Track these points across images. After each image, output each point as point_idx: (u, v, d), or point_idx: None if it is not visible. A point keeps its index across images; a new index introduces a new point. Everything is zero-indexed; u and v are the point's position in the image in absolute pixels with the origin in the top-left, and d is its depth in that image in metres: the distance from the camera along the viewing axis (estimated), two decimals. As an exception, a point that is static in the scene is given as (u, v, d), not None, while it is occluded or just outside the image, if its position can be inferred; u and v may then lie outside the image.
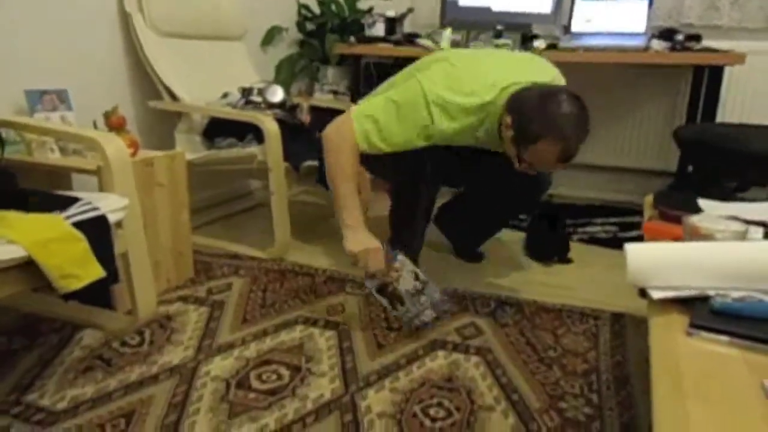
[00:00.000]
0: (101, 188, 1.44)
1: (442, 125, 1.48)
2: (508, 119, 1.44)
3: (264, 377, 1.32)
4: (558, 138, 1.37)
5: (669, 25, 2.46)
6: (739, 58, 2.10)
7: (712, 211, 1.20)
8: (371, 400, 1.24)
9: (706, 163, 2.09)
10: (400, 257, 1.49)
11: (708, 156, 2.00)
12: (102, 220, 1.28)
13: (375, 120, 1.51)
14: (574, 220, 2.51)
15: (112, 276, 1.29)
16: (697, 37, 2.28)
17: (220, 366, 1.36)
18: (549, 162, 1.42)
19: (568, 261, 2.06)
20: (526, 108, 1.41)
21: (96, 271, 1.23)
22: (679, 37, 2.28)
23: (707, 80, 2.24)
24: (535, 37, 2.45)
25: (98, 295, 1.53)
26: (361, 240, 1.49)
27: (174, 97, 2.10)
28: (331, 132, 1.55)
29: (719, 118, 2.33)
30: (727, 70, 2.23)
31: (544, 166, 1.47)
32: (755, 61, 2.23)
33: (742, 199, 1.43)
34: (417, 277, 1.49)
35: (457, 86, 1.49)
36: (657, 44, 2.26)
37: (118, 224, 1.37)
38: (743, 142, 1.84)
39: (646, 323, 1.59)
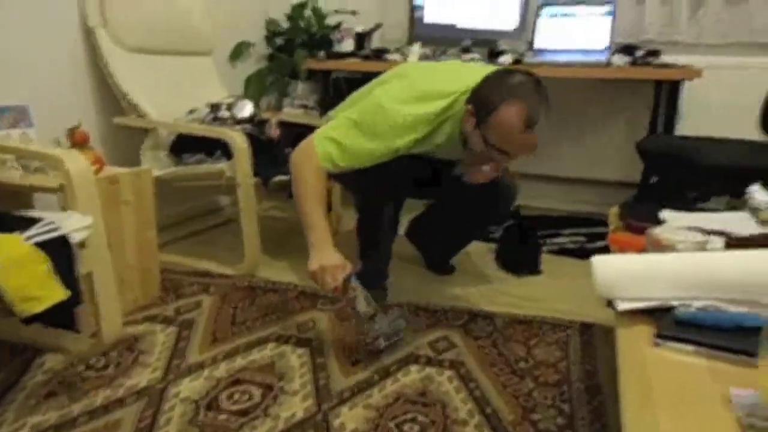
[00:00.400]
0: (64, 207, 1.40)
1: (404, 138, 1.50)
2: (469, 107, 1.47)
3: (235, 397, 1.29)
4: (518, 98, 1.38)
5: (629, 42, 2.54)
6: (696, 73, 2.18)
7: (675, 221, 1.24)
8: (345, 417, 1.23)
9: (667, 175, 2.15)
10: (353, 281, 1.47)
11: (669, 167, 2.06)
12: (64, 240, 1.24)
13: (337, 142, 1.51)
14: (543, 231, 2.55)
15: (75, 297, 1.26)
16: (656, 53, 2.36)
17: (190, 387, 1.33)
18: (514, 131, 1.39)
19: (538, 272, 2.09)
20: (484, 88, 1.45)
21: (58, 293, 1.19)
22: (639, 52, 2.36)
23: (666, 94, 2.31)
24: (501, 53, 2.50)
25: (61, 317, 1.47)
26: (322, 258, 1.46)
27: (140, 112, 2.07)
28: (296, 155, 1.55)
29: (680, 131, 2.40)
30: (686, 84, 2.30)
31: (510, 141, 1.43)
32: (712, 76, 2.31)
33: (703, 209, 1.48)
34: (369, 303, 1.48)
35: (415, 97, 1.51)
36: (618, 59, 2.32)
37: (82, 244, 1.33)
38: (702, 154, 1.90)
39: (614, 332, 1.62)
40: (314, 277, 1.45)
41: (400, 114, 1.49)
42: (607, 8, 2.50)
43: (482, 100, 1.44)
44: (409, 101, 1.51)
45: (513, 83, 1.42)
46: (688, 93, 2.36)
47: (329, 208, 2.55)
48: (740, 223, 1.25)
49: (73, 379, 1.34)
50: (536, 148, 1.47)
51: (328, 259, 1.45)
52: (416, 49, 2.55)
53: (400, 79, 1.60)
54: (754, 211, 1.33)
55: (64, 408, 1.24)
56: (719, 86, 2.53)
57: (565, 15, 2.56)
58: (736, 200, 1.53)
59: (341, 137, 1.51)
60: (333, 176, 1.68)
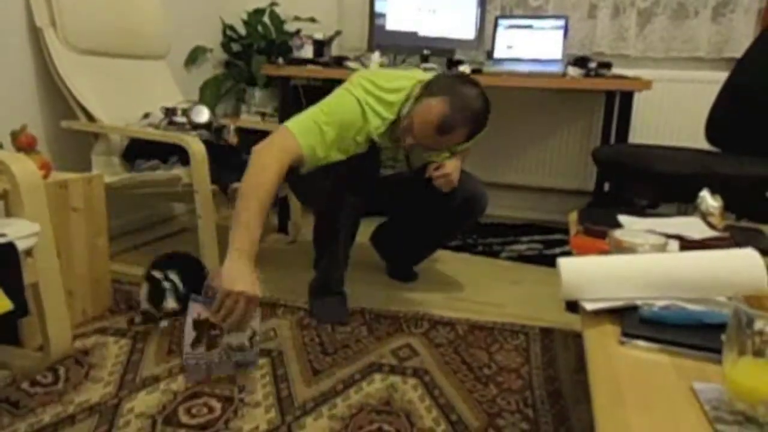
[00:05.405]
0: (8, 213, 1.32)
1: (373, 123, 1.59)
2: (416, 90, 1.59)
3: (193, 411, 1.24)
4: (449, 101, 1.49)
5: (582, 54, 2.62)
6: (646, 85, 2.26)
7: (631, 226, 1.27)
8: (309, 429, 1.20)
9: (620, 181, 2.21)
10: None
11: (621, 174, 2.12)
12: (9, 247, 1.17)
13: (320, 131, 1.53)
14: (502, 239, 2.59)
15: (21, 309, 1.18)
16: (608, 65, 2.43)
17: (145, 402, 1.27)
18: (427, 125, 1.50)
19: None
20: (435, 79, 1.58)
21: (2, 304, 1.12)
22: (592, 64, 2.43)
23: (619, 104, 2.39)
24: (460, 62, 2.53)
25: (4, 330, 1.40)
26: (237, 278, 1.28)
27: (90, 116, 1.99)
28: (263, 149, 1.50)
29: (631, 140, 2.48)
30: (636, 95, 2.39)
31: (418, 131, 1.52)
32: (658, 87, 2.41)
33: (656, 215, 1.52)
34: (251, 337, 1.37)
35: (380, 87, 1.61)
36: (572, 71, 2.39)
37: (28, 252, 1.26)
38: (652, 162, 1.97)
39: (573, 337, 1.65)
40: (222, 298, 1.28)
41: (370, 101, 1.58)
42: (560, 22, 2.58)
43: (426, 87, 1.55)
44: (375, 92, 1.60)
45: (459, 89, 1.52)
46: (637, 103, 2.44)
47: (288, 216, 2.52)
48: (692, 226, 1.30)
49: (17, 396, 1.26)
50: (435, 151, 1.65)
51: (244, 282, 1.28)
52: (376, 57, 2.55)
53: (364, 77, 1.65)
54: (705, 215, 1.38)
55: (7, 428, 1.16)
56: (666, 97, 2.64)
57: (522, 27, 2.62)
58: (686, 205, 1.59)
59: (321, 125, 1.53)
60: (291, 185, 1.70)
